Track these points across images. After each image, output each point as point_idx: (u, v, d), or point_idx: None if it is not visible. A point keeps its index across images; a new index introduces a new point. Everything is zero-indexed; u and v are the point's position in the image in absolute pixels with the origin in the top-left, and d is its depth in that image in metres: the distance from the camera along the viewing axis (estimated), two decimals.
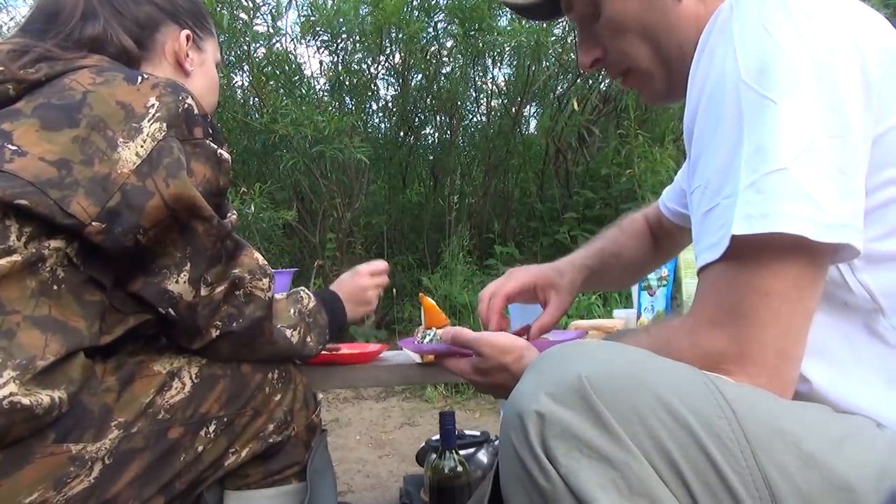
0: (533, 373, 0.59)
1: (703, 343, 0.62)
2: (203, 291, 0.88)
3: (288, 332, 1.00)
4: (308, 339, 1.04)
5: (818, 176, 0.59)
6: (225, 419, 0.92)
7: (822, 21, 0.63)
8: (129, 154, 0.80)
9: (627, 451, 0.53)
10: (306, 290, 1.09)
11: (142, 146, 0.81)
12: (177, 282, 0.85)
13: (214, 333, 0.91)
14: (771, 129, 0.60)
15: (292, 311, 1.03)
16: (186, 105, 0.86)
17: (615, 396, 0.54)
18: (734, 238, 0.60)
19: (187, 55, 1.02)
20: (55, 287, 0.79)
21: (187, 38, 1.02)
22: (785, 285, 0.60)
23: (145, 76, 0.86)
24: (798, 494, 0.54)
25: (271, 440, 0.99)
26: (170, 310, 0.87)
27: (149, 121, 0.82)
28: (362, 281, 1.21)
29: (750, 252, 0.60)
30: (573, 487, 0.53)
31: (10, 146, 0.78)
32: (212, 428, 0.90)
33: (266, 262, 0.97)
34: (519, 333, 1.05)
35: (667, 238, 1.20)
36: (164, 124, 0.83)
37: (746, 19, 0.64)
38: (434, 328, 1.09)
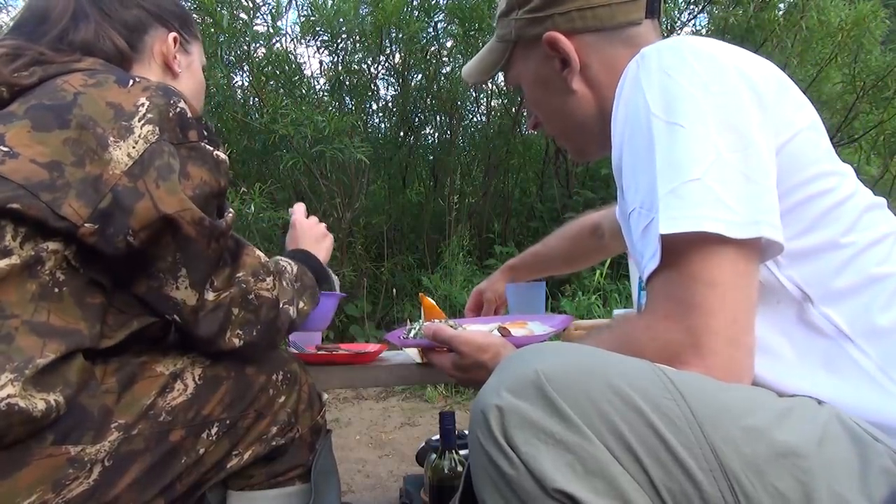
0: (496, 373, 0.64)
1: (661, 336, 0.67)
2: (209, 296, 0.88)
3: (290, 310, 0.99)
4: (301, 304, 1.02)
5: (726, 184, 0.68)
6: (227, 421, 0.91)
7: (711, 59, 0.74)
8: (121, 155, 0.80)
9: (582, 435, 0.58)
10: (285, 259, 1.07)
11: (133, 147, 0.81)
12: (177, 287, 0.85)
13: (238, 343, 0.91)
14: (682, 148, 0.70)
15: (285, 283, 1.01)
16: (179, 109, 0.85)
17: (569, 386, 0.59)
18: (664, 238, 0.67)
19: (175, 57, 1.03)
20: (56, 290, 0.78)
21: (175, 40, 1.03)
22: (725, 275, 0.66)
23: (137, 79, 0.86)
24: (745, 463, 0.58)
25: (275, 442, 0.98)
26: (175, 316, 0.87)
27: (139, 120, 0.82)
28: (305, 223, 1.25)
29: (684, 249, 0.67)
30: (534, 471, 0.57)
31: (2, 147, 0.78)
32: (214, 430, 0.90)
33: (268, 260, 0.97)
34: (502, 331, 1.09)
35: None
36: (157, 127, 0.82)
37: (650, 68, 0.75)
38: (421, 322, 1.13)
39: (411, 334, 1.09)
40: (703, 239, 0.66)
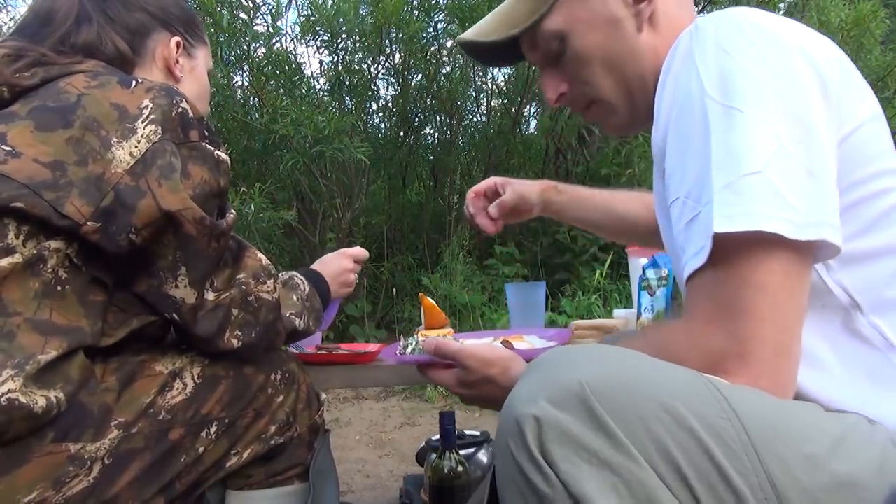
0: (531, 377, 0.58)
1: (702, 343, 0.62)
2: (209, 296, 0.88)
3: (296, 321, 1.02)
4: (310, 322, 1.06)
5: (789, 179, 0.62)
6: (226, 420, 0.91)
7: (775, 38, 0.67)
8: (123, 154, 0.80)
9: (629, 455, 0.53)
10: (298, 276, 1.10)
11: (136, 146, 0.81)
12: (177, 286, 0.85)
13: (236, 344, 0.92)
14: (741, 136, 0.63)
15: (294, 297, 1.04)
16: (181, 109, 0.86)
17: (616, 401, 0.54)
18: (717, 236, 0.61)
19: (177, 61, 1.03)
20: (58, 288, 0.79)
21: (177, 44, 1.03)
22: (777, 279, 0.61)
23: (140, 80, 0.86)
24: (803, 492, 0.54)
25: (273, 441, 0.99)
26: (174, 315, 0.87)
27: (143, 122, 0.82)
28: (346, 263, 1.24)
29: (737, 249, 0.62)
30: (574, 492, 0.52)
31: (4, 147, 0.78)
32: (213, 429, 0.90)
33: (269, 263, 0.97)
34: (505, 344, 1.05)
35: None
36: (159, 127, 0.83)
37: (706, 43, 0.69)
38: (417, 336, 1.07)
39: (408, 350, 1.03)
40: (759, 239, 0.61)
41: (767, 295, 0.60)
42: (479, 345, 0.90)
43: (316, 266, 1.22)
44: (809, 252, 0.63)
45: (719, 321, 0.62)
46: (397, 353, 1.05)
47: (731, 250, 0.62)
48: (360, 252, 1.29)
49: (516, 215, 1.24)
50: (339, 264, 1.23)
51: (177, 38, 1.03)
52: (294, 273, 1.11)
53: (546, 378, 0.56)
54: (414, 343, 1.03)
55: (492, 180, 1.23)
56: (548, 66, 0.91)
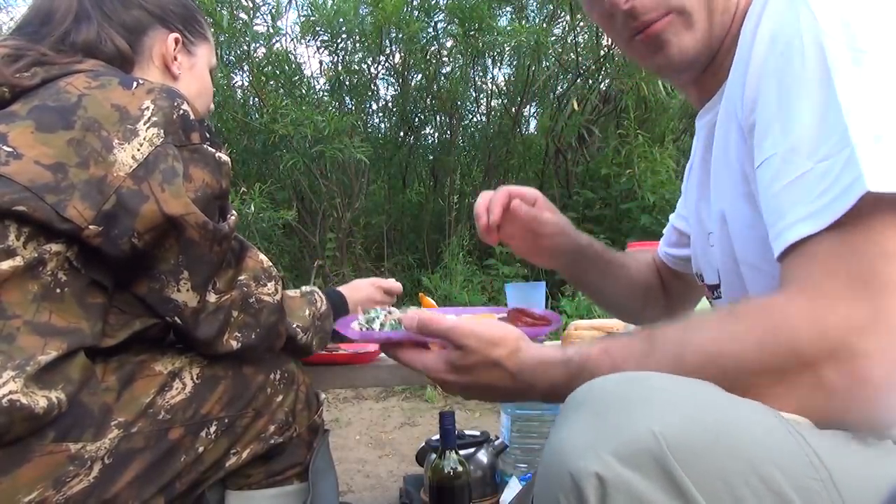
0: (586, 419, 0.48)
1: (831, 322, 0.52)
2: (211, 298, 0.88)
3: (300, 333, 1.02)
4: (314, 342, 1.06)
5: None
6: (226, 420, 0.91)
7: None
8: (125, 157, 0.80)
9: None
10: (320, 293, 1.10)
11: (138, 150, 0.81)
12: (178, 290, 0.85)
13: (235, 345, 0.92)
14: (877, 81, 0.55)
15: (307, 311, 1.04)
16: (182, 111, 0.86)
17: (697, 459, 0.45)
18: (866, 197, 0.52)
19: (175, 58, 1.02)
20: (57, 291, 0.79)
21: (176, 41, 1.02)
22: None
23: (141, 81, 0.86)
24: None
25: (273, 441, 0.99)
26: (176, 318, 0.87)
27: (144, 124, 0.82)
28: (375, 294, 1.24)
29: (881, 212, 0.52)
30: None
31: (5, 148, 0.78)
32: (212, 429, 0.90)
33: (271, 264, 0.97)
34: (511, 320, 0.83)
35: (675, 281, 1.11)
36: (161, 130, 0.83)
37: None
38: (388, 307, 0.85)
39: (376, 324, 0.79)
40: None
41: None
42: (480, 321, 0.69)
43: (344, 289, 1.22)
44: None
45: (854, 295, 0.52)
46: (359, 325, 0.80)
47: (875, 212, 0.52)
48: (393, 285, 1.28)
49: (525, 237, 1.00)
50: (368, 293, 1.23)
51: (175, 35, 1.02)
52: (316, 289, 1.10)
53: (609, 424, 0.47)
54: (380, 316, 0.81)
55: (533, 195, 0.99)
56: None
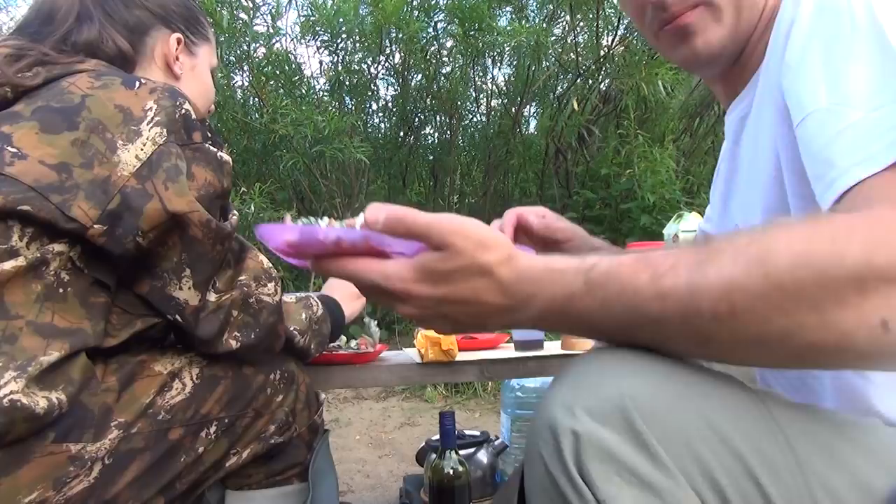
0: (568, 384, 0.52)
1: None
2: (211, 297, 0.88)
3: (297, 336, 1.02)
4: (312, 345, 1.07)
5: None
6: (226, 420, 0.92)
7: None
8: (129, 157, 0.80)
9: (673, 478, 0.48)
10: (314, 297, 1.11)
11: (142, 149, 0.81)
12: (180, 288, 0.86)
13: (235, 345, 0.92)
14: None
15: (304, 315, 1.04)
16: (184, 110, 0.86)
17: (661, 418, 0.49)
18: None
19: (177, 58, 1.02)
20: (60, 291, 0.79)
21: (178, 41, 1.02)
22: None
23: (143, 81, 0.86)
24: None
25: (273, 441, 0.99)
26: (177, 316, 0.87)
27: (148, 124, 0.82)
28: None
29: None
30: None
31: (10, 148, 0.78)
32: (213, 429, 0.90)
33: (271, 265, 0.97)
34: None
35: None
36: (164, 129, 0.83)
37: None
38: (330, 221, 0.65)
39: (322, 224, 0.61)
40: None
41: None
42: (463, 218, 0.54)
43: (326, 289, 1.23)
44: None
45: None
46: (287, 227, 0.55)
47: None
48: None
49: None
50: (346, 283, 1.24)
51: (177, 35, 1.02)
52: (312, 294, 1.11)
53: (584, 387, 0.51)
54: (320, 219, 0.64)
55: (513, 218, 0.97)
56: None
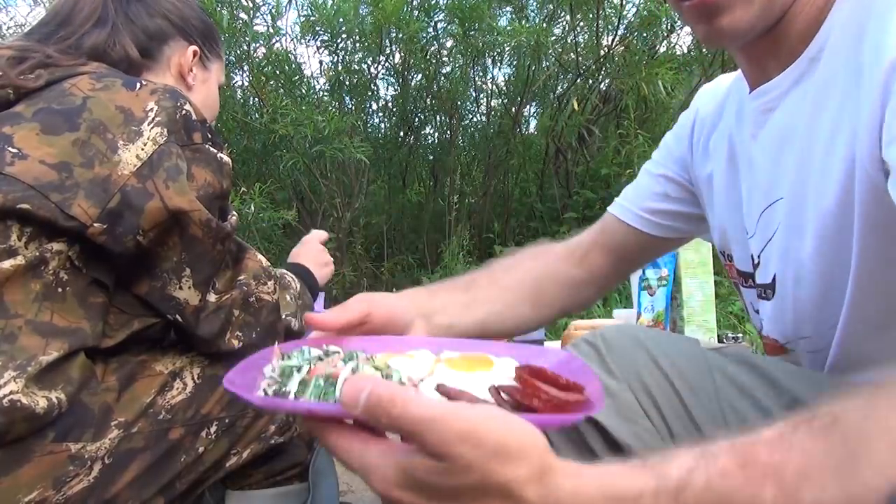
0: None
1: None
2: (211, 297, 0.88)
3: (292, 321, 1.02)
4: (303, 321, 1.06)
5: None
6: (226, 420, 0.92)
7: None
8: (130, 156, 0.81)
9: (620, 383, 0.72)
10: (289, 273, 1.10)
11: (142, 149, 0.81)
12: (180, 287, 0.86)
13: (237, 345, 0.92)
14: None
15: (288, 297, 1.04)
16: (184, 111, 0.86)
17: (617, 349, 0.74)
18: None
19: (191, 70, 1.04)
20: (59, 290, 0.79)
21: (194, 53, 1.04)
22: None
23: (143, 82, 0.87)
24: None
25: (273, 441, 0.99)
26: (177, 316, 0.87)
27: (149, 124, 0.83)
28: (316, 245, 1.27)
29: None
30: None
31: (10, 149, 0.78)
32: (213, 429, 0.90)
33: (269, 264, 0.98)
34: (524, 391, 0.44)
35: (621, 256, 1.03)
36: (165, 129, 0.83)
37: None
38: (325, 346, 0.55)
39: (293, 382, 0.47)
40: None
41: None
42: (470, 408, 0.38)
43: (293, 258, 1.24)
44: None
45: None
46: (266, 387, 0.48)
47: None
48: (321, 234, 1.33)
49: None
50: (312, 248, 1.26)
51: (194, 48, 1.04)
52: (284, 271, 1.10)
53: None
54: (304, 362, 0.50)
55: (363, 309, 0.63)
56: None
